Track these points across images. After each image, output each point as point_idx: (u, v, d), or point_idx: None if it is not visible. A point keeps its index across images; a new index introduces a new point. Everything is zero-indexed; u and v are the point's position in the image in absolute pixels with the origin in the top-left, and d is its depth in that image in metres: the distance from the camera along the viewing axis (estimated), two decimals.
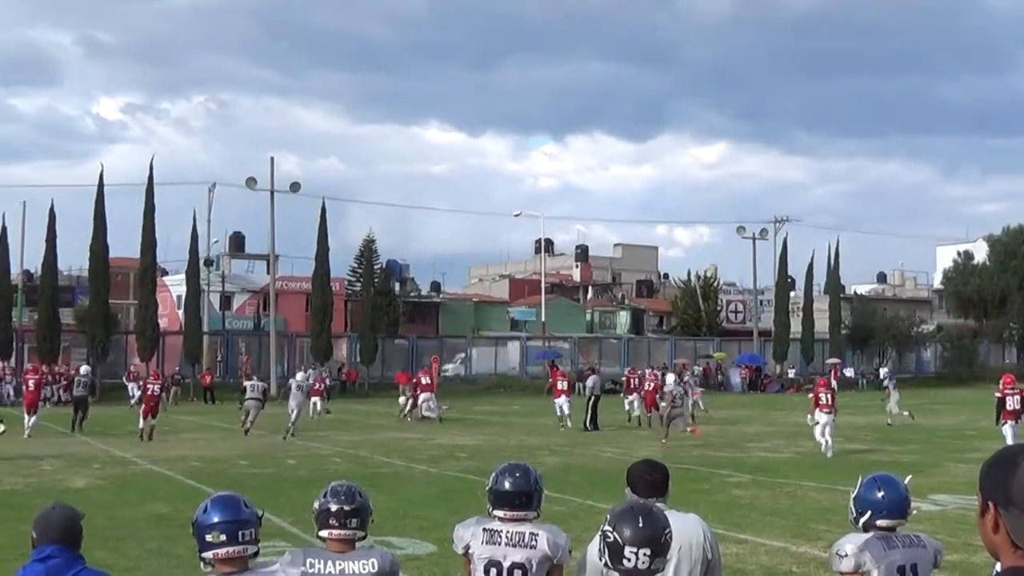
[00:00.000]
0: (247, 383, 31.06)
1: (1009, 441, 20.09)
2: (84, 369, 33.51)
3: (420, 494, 16.39)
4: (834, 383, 33.89)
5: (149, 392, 27.89)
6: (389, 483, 17.39)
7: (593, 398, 30.83)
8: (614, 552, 3.47)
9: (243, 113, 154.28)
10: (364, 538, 4.52)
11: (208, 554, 4.07)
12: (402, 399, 36.31)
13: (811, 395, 24.45)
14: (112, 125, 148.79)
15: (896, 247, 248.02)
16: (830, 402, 23.01)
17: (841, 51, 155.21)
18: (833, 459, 21.37)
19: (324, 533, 4.46)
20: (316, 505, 4.50)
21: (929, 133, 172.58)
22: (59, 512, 4.31)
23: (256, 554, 4.17)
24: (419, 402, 33.90)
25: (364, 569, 4.40)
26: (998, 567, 2.22)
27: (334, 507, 4.42)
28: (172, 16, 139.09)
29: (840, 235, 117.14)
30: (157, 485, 17.83)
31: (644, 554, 3.44)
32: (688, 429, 26.58)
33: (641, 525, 3.47)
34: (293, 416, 28.16)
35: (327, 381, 41.09)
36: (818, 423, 22.89)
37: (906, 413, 31.85)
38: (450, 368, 32.62)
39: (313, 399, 33.00)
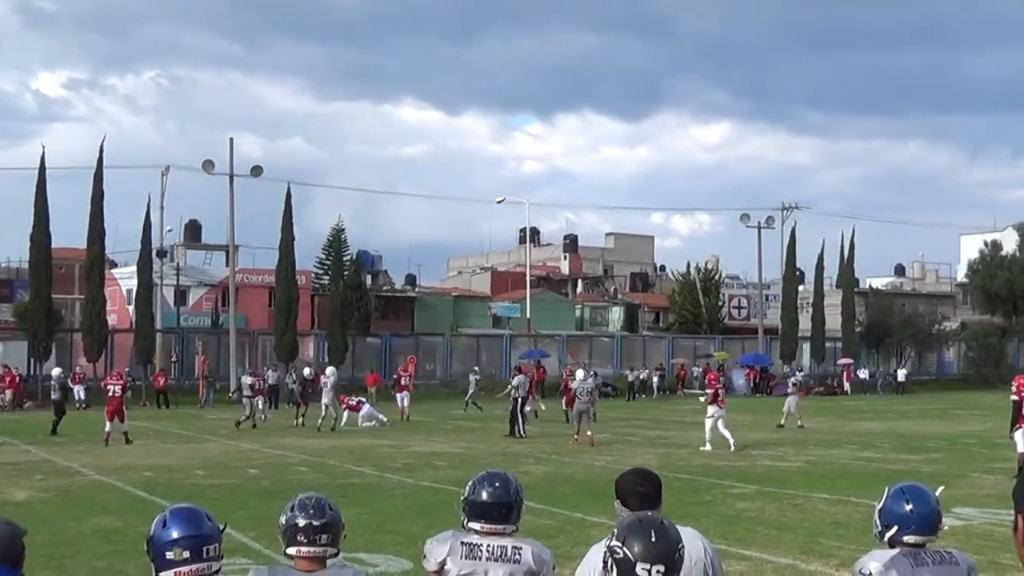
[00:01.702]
0: (243, 379, 35.89)
1: (1020, 449, 20.07)
2: (56, 372, 35.19)
3: (395, 506, 16.42)
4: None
5: (110, 393, 28.05)
6: (361, 494, 17.44)
7: (516, 402, 30.30)
8: (624, 570, 3.49)
9: (199, 89, 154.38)
10: (336, 555, 4.51)
11: (169, 573, 4.01)
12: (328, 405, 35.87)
13: (709, 389, 27.11)
14: (54, 102, 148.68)
15: (916, 237, 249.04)
16: (723, 397, 26.48)
17: (855, 21, 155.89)
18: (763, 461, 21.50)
19: (292, 551, 4.43)
20: (283, 520, 4.48)
21: (953, 111, 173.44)
22: None
23: (218, 572, 4.16)
24: (399, 403, 37.63)
25: None
26: None
27: (302, 522, 4.39)
28: None
29: (855, 223, 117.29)
30: (105, 497, 17.78)
31: (657, 571, 3.47)
32: (575, 437, 27.45)
33: (654, 539, 3.49)
34: (329, 410, 32.41)
35: (267, 381, 41.73)
36: (711, 417, 25.63)
37: (782, 422, 33.79)
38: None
39: (256, 398, 35.82)
